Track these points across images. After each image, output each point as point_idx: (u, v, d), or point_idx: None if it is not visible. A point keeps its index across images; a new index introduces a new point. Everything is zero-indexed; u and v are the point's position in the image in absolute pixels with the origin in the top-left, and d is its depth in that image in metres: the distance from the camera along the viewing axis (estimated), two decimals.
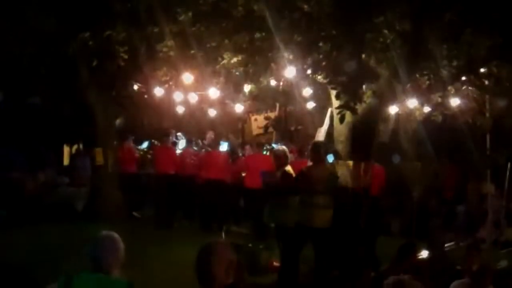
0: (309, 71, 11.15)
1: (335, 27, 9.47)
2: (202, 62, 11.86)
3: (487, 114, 13.31)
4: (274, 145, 16.14)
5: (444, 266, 10.16)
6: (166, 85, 14.39)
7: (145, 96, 15.07)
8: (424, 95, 12.55)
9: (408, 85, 11.34)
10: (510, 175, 14.54)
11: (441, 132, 15.80)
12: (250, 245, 11.00)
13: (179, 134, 18.30)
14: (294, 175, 9.90)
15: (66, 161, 21.07)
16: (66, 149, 21.85)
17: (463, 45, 10.34)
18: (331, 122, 12.01)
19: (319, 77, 10.82)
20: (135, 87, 14.81)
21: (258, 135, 19.57)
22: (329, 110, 12.31)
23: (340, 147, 11.13)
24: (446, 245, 12.14)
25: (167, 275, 9.89)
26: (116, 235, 5.08)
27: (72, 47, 12.29)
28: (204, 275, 4.32)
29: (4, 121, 18.84)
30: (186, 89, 14.52)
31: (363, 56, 10.01)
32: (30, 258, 10.01)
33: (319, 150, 9.80)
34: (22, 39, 12.40)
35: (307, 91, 13.60)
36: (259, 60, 11.20)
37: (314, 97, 14.24)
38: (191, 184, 15.90)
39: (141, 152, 17.09)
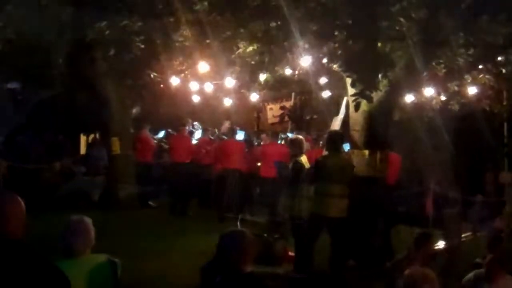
0: (324, 60, 11.12)
1: (351, 15, 9.41)
2: (217, 51, 11.86)
3: (505, 102, 13.23)
4: (289, 134, 16.14)
5: (460, 256, 10.15)
6: (182, 75, 14.41)
7: (161, 85, 15.10)
8: (440, 83, 12.47)
9: (425, 74, 11.26)
10: None
11: (457, 121, 15.71)
12: (265, 234, 11.02)
13: (195, 123, 18.35)
14: (307, 164, 9.90)
15: (82, 151, 21.20)
16: (82, 139, 21.97)
17: (480, 33, 10.25)
18: (347, 111, 11.97)
19: (334, 66, 10.79)
20: (151, 76, 14.84)
21: (273, 124, 19.58)
22: (345, 99, 12.28)
23: (355, 136, 11.10)
24: (462, 235, 12.11)
25: (184, 263, 9.94)
26: (86, 219, 5.11)
27: (89, 37, 12.34)
28: (226, 261, 4.36)
29: (22, 111, 18.99)
30: (201, 79, 14.54)
31: (379, 44, 9.96)
32: (46, 247, 10.06)
33: (334, 140, 9.78)
34: (39, 28, 12.45)
35: (323, 80, 13.56)
36: (274, 49, 11.17)
37: (329, 86, 14.20)
38: (207, 173, 15.95)
39: (157, 141, 17.15)
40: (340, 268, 9.58)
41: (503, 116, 13.68)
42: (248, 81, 13.70)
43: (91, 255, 5.00)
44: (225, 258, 4.45)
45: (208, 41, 11.69)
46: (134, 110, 17.18)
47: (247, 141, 16.32)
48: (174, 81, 14.40)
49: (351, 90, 10.45)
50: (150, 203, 15.74)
